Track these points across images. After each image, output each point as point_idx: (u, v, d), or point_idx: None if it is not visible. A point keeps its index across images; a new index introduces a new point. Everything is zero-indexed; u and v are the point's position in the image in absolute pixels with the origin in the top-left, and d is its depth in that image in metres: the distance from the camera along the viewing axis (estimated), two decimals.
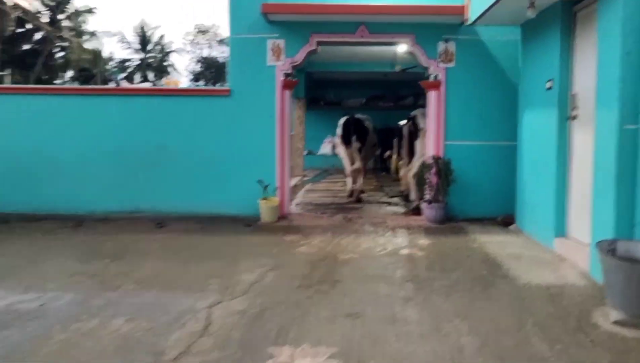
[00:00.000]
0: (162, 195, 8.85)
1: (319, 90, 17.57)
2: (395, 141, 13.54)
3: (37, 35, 41.76)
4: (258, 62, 8.69)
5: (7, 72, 32.51)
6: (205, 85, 45.03)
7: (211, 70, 49.03)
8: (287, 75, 8.80)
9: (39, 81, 39.00)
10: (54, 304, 4.86)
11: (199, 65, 49.31)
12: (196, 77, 48.81)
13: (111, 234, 7.64)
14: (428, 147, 9.18)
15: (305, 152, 15.23)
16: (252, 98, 8.74)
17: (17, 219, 8.45)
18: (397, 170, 13.53)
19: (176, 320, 4.45)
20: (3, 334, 4.22)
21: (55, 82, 42.94)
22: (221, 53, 47.64)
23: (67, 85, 12.66)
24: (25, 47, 42.35)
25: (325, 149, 17.98)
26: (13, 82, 32.99)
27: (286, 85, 8.78)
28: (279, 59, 8.71)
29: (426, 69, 9.08)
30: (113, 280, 5.54)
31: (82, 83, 43.92)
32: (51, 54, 42.41)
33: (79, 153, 8.87)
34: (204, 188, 8.88)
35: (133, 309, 4.72)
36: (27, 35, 41.73)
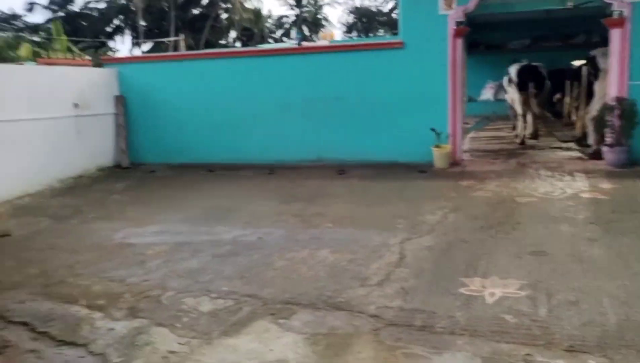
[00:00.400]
0: (342, 145, 9.59)
1: (479, 34, 17.02)
2: (567, 83, 12.85)
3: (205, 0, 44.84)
4: (429, 12, 8.88)
5: (181, 37, 35.67)
6: (358, 36, 45.40)
7: (363, 21, 49.30)
8: (458, 23, 8.88)
9: (207, 44, 42.42)
10: (268, 238, 5.79)
11: (352, 16, 49.75)
12: (349, 28, 49.37)
13: (301, 180, 8.57)
14: (609, 88, 8.73)
15: (465, 99, 15.09)
16: (424, 48, 9.00)
17: (220, 168, 9.80)
18: (569, 114, 12.93)
19: (373, 253, 5.09)
20: (235, 260, 5.20)
21: (220, 42, 46.39)
22: (374, 2, 47.48)
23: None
24: (195, 11, 46.21)
25: (486, 94, 17.55)
26: (187, 47, 36.36)
27: (457, 33, 8.88)
28: (450, 8, 8.81)
29: (607, 4, 8.53)
30: (312, 220, 6.37)
31: (245, 42, 46.87)
32: (217, 17, 45.74)
33: (268, 109, 9.90)
34: (378, 137, 9.45)
35: (334, 243, 5.46)
36: (196, 0, 45.29)
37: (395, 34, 13.69)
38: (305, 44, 11.74)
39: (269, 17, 51.60)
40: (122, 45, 45.20)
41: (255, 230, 6.08)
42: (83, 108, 9.45)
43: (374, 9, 48.77)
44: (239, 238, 5.84)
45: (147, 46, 42.16)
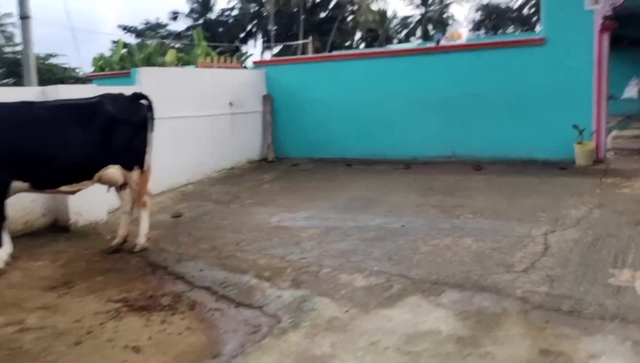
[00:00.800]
0: (477, 141, 9.68)
1: (622, 29, 15.90)
2: None
3: (332, 3, 45.90)
4: (575, 7, 8.70)
5: (309, 39, 36.86)
6: (486, 33, 44.07)
7: (492, 18, 47.74)
8: (605, 18, 8.60)
9: (333, 46, 43.55)
10: (411, 226, 6.14)
11: (479, 13, 48.36)
12: (476, 26, 48.04)
13: (436, 175, 8.82)
14: None
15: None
16: (568, 44, 8.84)
17: (357, 163, 10.32)
18: None
19: (517, 243, 5.25)
20: (382, 244, 5.61)
21: (346, 45, 47.37)
22: None
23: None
24: (322, 15, 47.67)
25: (630, 92, 16.48)
26: (314, 49, 37.64)
27: (604, 29, 8.61)
28: (597, 2, 8.56)
29: None
30: (452, 210, 6.62)
31: (369, 44, 47.45)
32: (343, 19, 46.78)
33: (405, 106, 10.24)
34: (516, 133, 9.41)
35: (476, 233, 5.68)
36: (323, 4, 46.63)
37: (527, 30, 13.34)
38: (443, 42, 11.89)
39: (394, 17, 51.79)
40: (254, 49, 48.14)
41: (397, 218, 6.46)
42: (237, 106, 10.45)
43: (503, 6, 47.05)
44: (383, 225, 6.25)
45: (276, 49, 44.26)
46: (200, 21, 47.62)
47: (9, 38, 43.90)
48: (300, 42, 39.54)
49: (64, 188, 5.50)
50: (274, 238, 6.09)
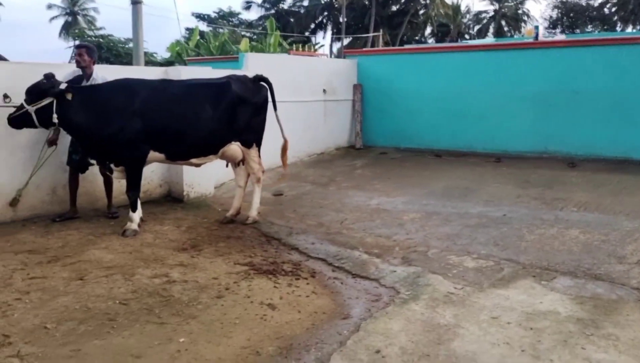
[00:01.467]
0: (571, 138, 9.58)
1: None
2: None
3: None
4: None
5: (380, 32, 36.77)
6: (562, 32, 42.46)
7: (569, 16, 45.91)
8: None
9: (403, 39, 43.17)
10: (513, 215, 6.26)
11: (556, 11, 46.60)
12: (552, 24, 46.32)
13: (531, 169, 8.82)
14: None
15: None
16: None
17: (446, 154, 10.44)
18: None
19: (627, 236, 5.30)
20: (486, 230, 5.78)
21: (415, 38, 46.82)
22: None
23: (491, 42, 14.01)
24: (394, 8, 47.30)
25: None
26: (384, 42, 37.50)
27: None
28: None
29: None
30: (554, 203, 6.69)
31: (439, 39, 46.71)
32: (415, 12, 46.22)
33: (497, 100, 10.24)
34: (613, 132, 9.24)
35: (583, 225, 5.75)
36: None
37: (607, 29, 12.91)
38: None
39: (467, 12, 50.73)
40: (323, 40, 48.45)
41: (497, 208, 6.59)
42: (329, 94, 10.79)
43: (583, 3, 45.08)
44: (485, 213, 6.40)
45: (346, 41, 44.38)
46: (272, 11, 48.41)
47: (91, 22, 46.32)
48: (371, 34, 39.51)
49: (193, 160, 5.99)
50: (376, 219, 6.37)
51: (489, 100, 10.26)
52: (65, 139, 6.14)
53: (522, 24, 48.21)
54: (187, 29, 41.20)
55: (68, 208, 6.23)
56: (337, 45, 46.47)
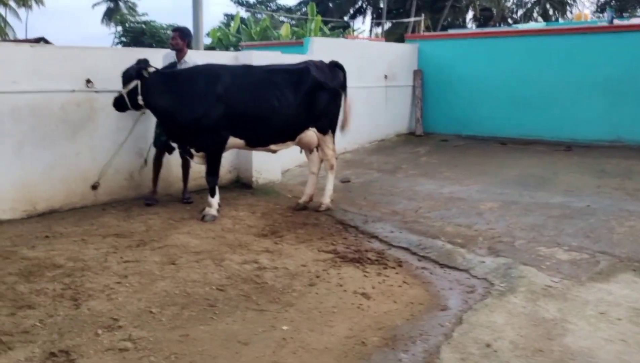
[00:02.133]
0: None
1: None
2: None
3: None
4: None
5: (421, 17, 36.03)
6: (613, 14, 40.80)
7: None
8: None
9: (444, 25, 42.13)
10: (597, 206, 6.04)
11: None
12: (601, 7, 44.55)
13: (603, 158, 8.51)
14: None
15: None
16: None
17: (511, 142, 10.17)
18: None
19: None
20: (572, 221, 5.58)
21: (457, 23, 45.61)
22: None
23: (558, 26, 13.51)
24: None
25: None
26: (426, 27, 36.69)
27: None
28: None
29: None
30: (637, 194, 6.42)
31: (481, 24, 45.40)
32: None
33: (565, 87, 9.90)
34: None
35: None
36: None
37: None
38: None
39: None
40: (363, 25, 47.86)
41: (578, 198, 6.36)
42: (390, 80, 10.63)
43: None
44: (566, 203, 6.19)
45: (386, 26, 43.65)
46: None
47: (132, 8, 46.95)
48: (412, 19, 38.81)
49: (272, 146, 5.97)
50: (452, 208, 6.24)
51: (558, 87, 9.92)
52: (150, 121, 6.20)
53: (568, 8, 46.51)
54: (226, 15, 41.41)
55: (144, 192, 6.32)
56: (376, 31, 45.84)
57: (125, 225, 5.41)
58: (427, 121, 11.25)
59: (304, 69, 5.91)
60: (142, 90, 5.38)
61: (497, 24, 42.99)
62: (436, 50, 11.21)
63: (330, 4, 47.86)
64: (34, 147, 5.50)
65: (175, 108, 5.44)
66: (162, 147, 6.16)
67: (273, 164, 7.52)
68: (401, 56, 10.95)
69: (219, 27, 26.98)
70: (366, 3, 49.99)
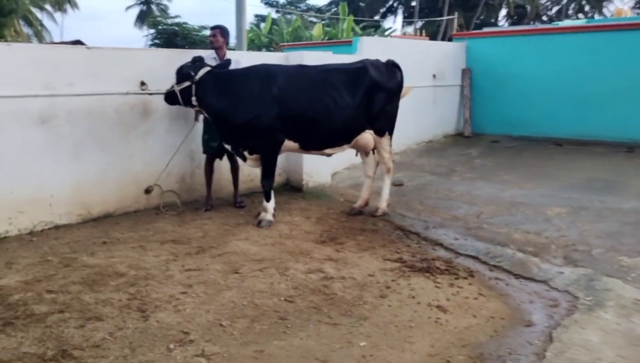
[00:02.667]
0: None
1: None
2: None
3: None
4: None
5: (454, 15, 35.45)
6: None
7: None
8: None
9: (477, 23, 41.25)
10: None
11: None
12: (638, 3, 43.16)
13: None
14: None
15: None
16: None
17: (566, 143, 9.75)
18: None
19: None
20: None
21: (491, 22, 44.62)
22: None
23: (621, 21, 12.93)
24: None
25: None
26: (458, 26, 35.97)
27: None
28: None
29: None
30: None
31: (514, 21, 44.32)
32: None
33: (627, 84, 9.43)
34: None
35: None
36: None
37: None
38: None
39: None
40: (394, 25, 47.15)
41: None
42: (438, 79, 10.32)
43: None
44: None
45: (418, 25, 43.00)
46: None
47: (164, 11, 47.38)
48: (445, 18, 38.17)
49: (327, 150, 5.76)
50: (516, 214, 5.94)
51: (618, 85, 9.46)
52: (198, 127, 6.08)
53: (604, 4, 45.15)
54: (256, 16, 41.42)
55: (196, 196, 6.19)
56: (407, 30, 45.29)
57: (181, 231, 5.27)
58: (476, 121, 10.89)
59: (362, 68, 5.68)
60: (196, 90, 5.24)
61: (532, 22, 42.02)
62: (486, 47, 10.84)
63: (361, 4, 47.45)
64: (89, 150, 5.42)
65: (230, 109, 5.28)
66: (212, 152, 6.03)
67: (323, 167, 7.32)
68: (449, 55, 10.63)
69: (251, 27, 26.96)
70: (397, 2, 49.50)
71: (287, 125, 5.37)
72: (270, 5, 45.40)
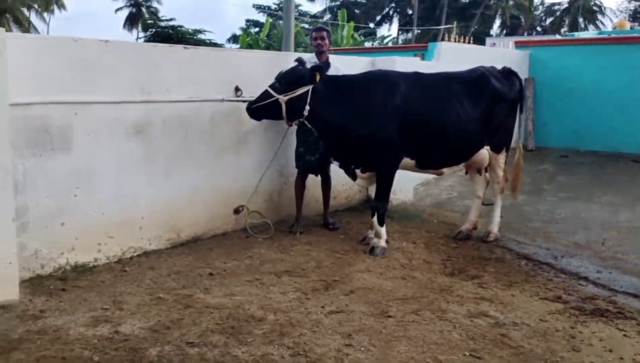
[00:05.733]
0: None
1: None
2: None
3: None
4: None
5: (453, 24, 35.13)
6: None
7: None
8: None
9: (474, 33, 40.98)
10: None
11: (633, 3, 43.60)
12: (632, 17, 43.19)
13: None
14: None
15: None
16: None
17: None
18: None
19: None
20: None
21: (486, 32, 44.36)
22: None
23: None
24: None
25: None
26: (457, 35, 35.61)
27: None
28: None
29: None
30: None
31: (509, 32, 44.07)
32: (487, 5, 43.77)
33: None
34: None
35: None
36: None
37: None
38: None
39: (541, 4, 48.10)
40: (389, 33, 46.64)
41: None
42: None
43: None
44: None
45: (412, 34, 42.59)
46: (338, 2, 47.13)
47: (153, 13, 46.63)
48: (443, 27, 37.82)
49: (444, 169, 5.13)
50: None
51: None
52: (290, 140, 5.44)
53: (597, 17, 45.31)
54: (248, 21, 40.79)
55: (282, 215, 5.55)
56: (405, 37, 44.91)
57: (288, 259, 4.60)
58: (538, 134, 10.26)
59: (482, 76, 5.06)
60: (311, 98, 4.55)
61: (526, 33, 41.79)
62: (551, 56, 10.21)
63: (357, 10, 46.96)
64: (181, 165, 4.73)
65: (346, 120, 4.62)
66: (307, 168, 5.38)
67: (406, 183, 6.70)
68: (513, 63, 9.97)
69: (247, 32, 26.41)
70: (393, 10, 49.12)
71: (408, 139, 4.73)
72: (262, 10, 44.42)
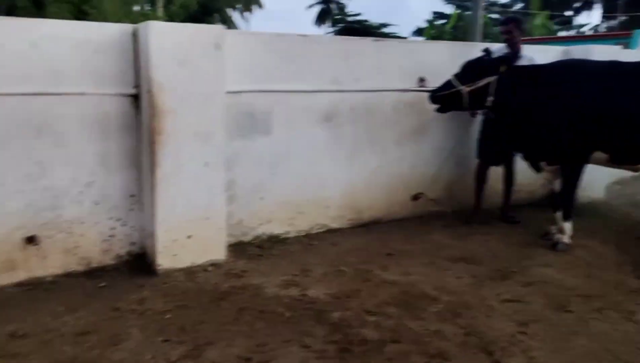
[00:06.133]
0: None
1: None
2: None
3: None
4: None
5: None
6: None
7: None
8: None
9: None
10: None
11: None
12: None
13: None
14: None
15: None
16: None
17: None
18: None
19: None
20: None
21: None
22: None
23: None
24: None
25: None
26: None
27: None
28: None
29: None
30: None
31: None
32: None
33: None
34: None
35: None
36: None
37: None
38: None
39: None
40: (589, 20, 41.75)
41: None
42: None
43: None
44: None
45: (615, 21, 37.72)
46: None
47: (342, 9, 47.78)
48: None
49: None
50: None
51: None
52: (472, 130, 5.44)
53: None
54: (435, 13, 39.90)
55: (459, 206, 5.56)
56: (609, 25, 40.27)
57: (463, 246, 4.66)
58: None
59: None
60: (496, 88, 4.52)
61: None
62: None
63: None
64: (364, 150, 5.04)
65: (534, 110, 4.50)
66: (487, 158, 5.33)
67: (597, 180, 6.23)
68: None
69: (432, 25, 26.01)
70: None
71: (602, 132, 4.46)
72: (449, 0, 43.24)
